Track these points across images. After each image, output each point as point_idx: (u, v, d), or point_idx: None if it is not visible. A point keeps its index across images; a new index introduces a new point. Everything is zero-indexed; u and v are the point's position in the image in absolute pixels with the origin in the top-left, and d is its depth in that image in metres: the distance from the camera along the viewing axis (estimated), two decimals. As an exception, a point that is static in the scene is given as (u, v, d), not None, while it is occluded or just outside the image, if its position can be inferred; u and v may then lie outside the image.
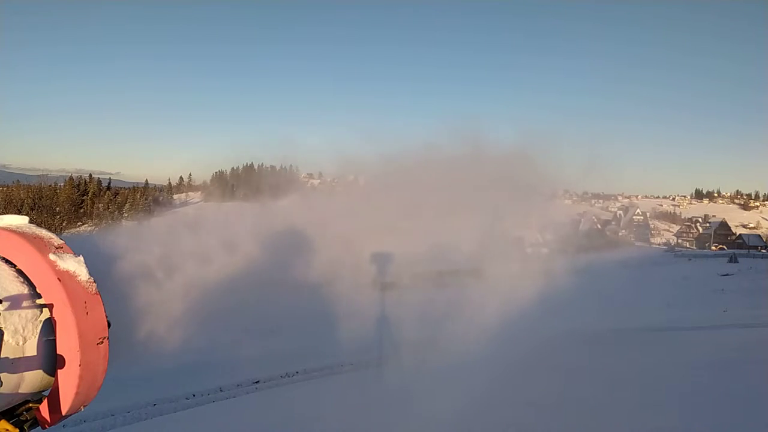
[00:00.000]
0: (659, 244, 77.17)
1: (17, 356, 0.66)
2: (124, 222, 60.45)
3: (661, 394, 5.39)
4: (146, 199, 73.86)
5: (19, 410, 0.70)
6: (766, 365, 6.85)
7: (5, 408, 0.68)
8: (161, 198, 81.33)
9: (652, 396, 5.37)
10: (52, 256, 0.71)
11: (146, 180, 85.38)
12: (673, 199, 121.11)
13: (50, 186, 53.35)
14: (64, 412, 0.71)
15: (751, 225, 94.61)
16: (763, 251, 57.88)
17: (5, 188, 50.84)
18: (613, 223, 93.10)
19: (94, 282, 0.74)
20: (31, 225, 0.77)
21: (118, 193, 75.18)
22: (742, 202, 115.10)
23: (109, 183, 79.01)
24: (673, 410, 4.74)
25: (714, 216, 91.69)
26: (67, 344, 0.69)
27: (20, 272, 0.71)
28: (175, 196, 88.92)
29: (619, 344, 10.57)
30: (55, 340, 0.70)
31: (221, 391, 9.10)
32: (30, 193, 47.71)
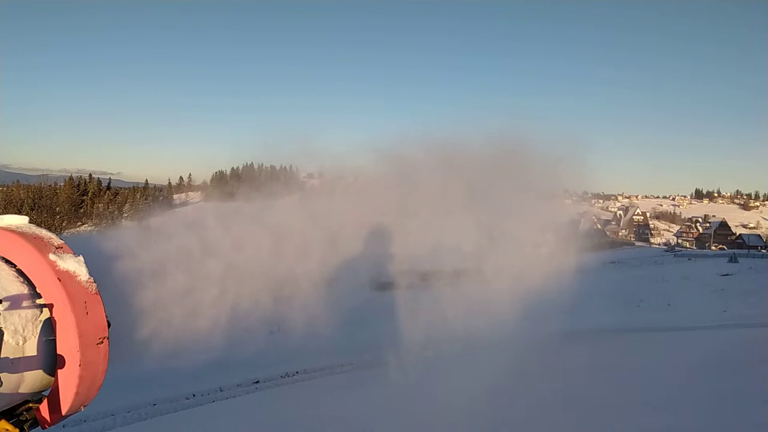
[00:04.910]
0: (659, 244, 77.16)
1: (17, 356, 0.66)
2: (124, 222, 60.38)
3: (661, 394, 5.39)
4: (146, 199, 73.80)
5: (19, 410, 0.70)
6: (766, 365, 6.85)
7: (5, 408, 0.68)
8: (161, 198, 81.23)
9: (651, 396, 5.37)
10: (52, 256, 0.71)
11: (146, 180, 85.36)
12: (673, 199, 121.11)
13: (50, 186, 53.23)
14: (64, 412, 0.71)
15: (751, 225, 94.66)
16: (763, 251, 57.84)
17: (5, 188, 50.71)
18: (613, 223, 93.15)
19: (94, 282, 0.74)
20: (31, 225, 0.77)
21: (118, 193, 75.17)
22: (742, 202, 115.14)
23: (109, 183, 79.00)
24: (673, 410, 4.74)
25: (714, 216, 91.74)
26: (67, 344, 0.69)
27: (20, 272, 0.71)
28: (175, 196, 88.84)
29: (619, 344, 10.56)
30: (55, 340, 0.70)
31: (221, 391, 9.09)
32: (30, 193, 47.55)
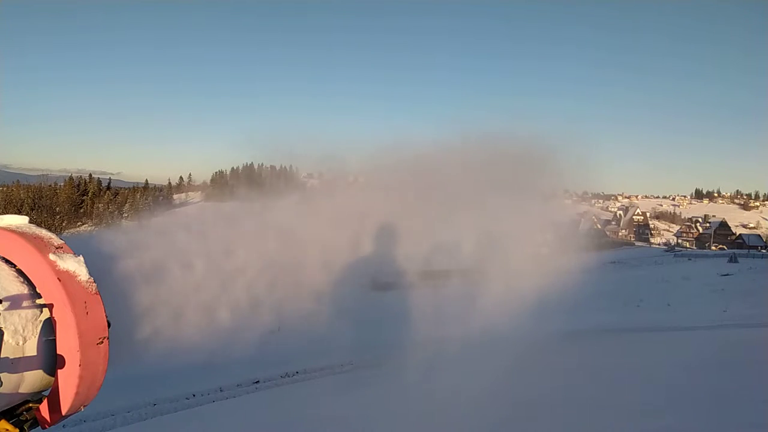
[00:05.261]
0: (659, 244, 77.15)
1: (17, 356, 0.66)
2: (124, 222, 60.43)
3: (661, 394, 5.39)
4: (146, 199, 73.80)
5: (19, 410, 0.70)
6: (766, 365, 6.85)
7: (5, 408, 0.68)
8: (161, 198, 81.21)
9: (651, 396, 5.36)
10: (52, 256, 0.71)
11: (146, 180, 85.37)
12: (673, 199, 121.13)
13: (50, 186, 53.19)
14: (64, 412, 0.71)
15: (751, 225, 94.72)
16: (763, 251, 57.85)
17: (5, 188, 50.66)
18: (613, 223, 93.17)
19: (94, 282, 0.74)
20: (31, 225, 0.77)
21: (118, 193, 75.18)
22: (742, 202, 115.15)
23: (109, 183, 79.04)
24: (673, 410, 4.74)
25: (714, 216, 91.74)
26: (67, 344, 0.69)
27: (20, 272, 0.71)
28: (175, 196, 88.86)
29: (619, 344, 10.56)
30: (55, 340, 0.70)
31: (221, 391, 9.09)
32: (30, 193, 47.49)
